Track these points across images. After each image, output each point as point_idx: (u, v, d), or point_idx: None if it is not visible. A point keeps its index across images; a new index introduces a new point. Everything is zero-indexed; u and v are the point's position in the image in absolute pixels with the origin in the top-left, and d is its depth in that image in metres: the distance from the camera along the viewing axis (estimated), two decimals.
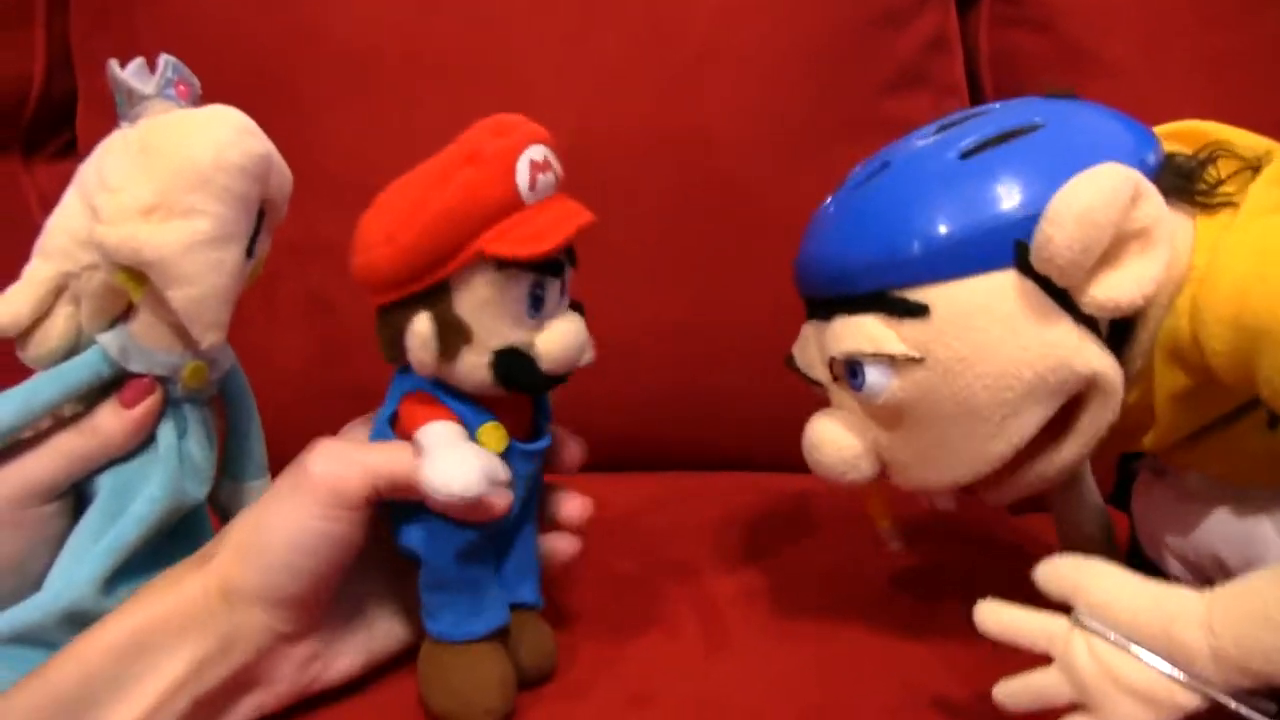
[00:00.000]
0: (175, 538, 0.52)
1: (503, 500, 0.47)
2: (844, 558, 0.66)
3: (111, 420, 0.50)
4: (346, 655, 0.51)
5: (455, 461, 0.44)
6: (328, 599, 0.48)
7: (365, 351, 0.77)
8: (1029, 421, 0.45)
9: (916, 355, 0.45)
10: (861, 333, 0.46)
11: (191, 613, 0.45)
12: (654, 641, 0.56)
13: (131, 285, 0.47)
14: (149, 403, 0.50)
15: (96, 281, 0.48)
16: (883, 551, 0.62)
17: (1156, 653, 0.41)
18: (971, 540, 0.70)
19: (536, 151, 0.46)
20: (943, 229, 0.44)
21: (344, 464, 0.46)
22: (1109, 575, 0.44)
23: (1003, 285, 0.44)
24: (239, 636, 0.46)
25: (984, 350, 0.44)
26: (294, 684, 0.48)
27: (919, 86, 0.85)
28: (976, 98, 0.88)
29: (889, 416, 0.48)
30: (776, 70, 0.81)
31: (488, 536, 0.49)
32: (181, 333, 0.49)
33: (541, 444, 0.51)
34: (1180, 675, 0.40)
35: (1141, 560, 0.55)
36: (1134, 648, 0.41)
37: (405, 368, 0.48)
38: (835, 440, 0.49)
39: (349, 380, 0.79)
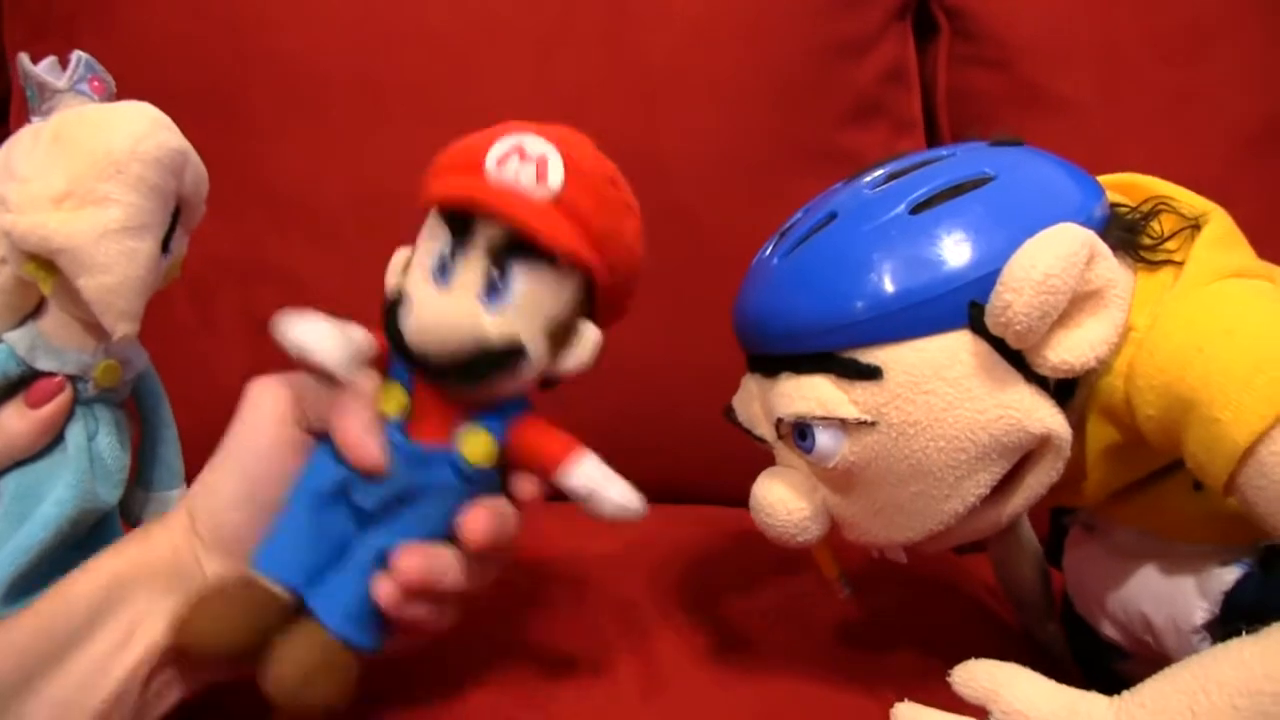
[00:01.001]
0: (85, 547, 0.50)
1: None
2: (787, 598, 0.64)
3: (16, 420, 0.48)
4: None
5: (318, 326, 0.45)
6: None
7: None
8: (983, 480, 0.45)
9: (869, 419, 0.44)
10: (812, 395, 0.45)
11: (161, 566, 0.45)
12: (586, 680, 0.55)
13: (41, 276, 0.46)
14: (57, 402, 0.49)
15: (4, 277, 0.47)
16: (827, 594, 0.61)
17: None
18: (915, 582, 0.69)
19: (534, 143, 0.45)
20: (896, 289, 0.43)
21: (279, 382, 0.47)
22: (1024, 681, 0.43)
23: (956, 346, 0.43)
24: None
25: (938, 413, 0.43)
26: None
27: (875, 119, 0.85)
28: (932, 133, 0.89)
29: (840, 478, 0.47)
30: (735, 100, 0.81)
31: (327, 481, 0.46)
32: (93, 330, 0.49)
33: (453, 455, 0.46)
34: None
35: (1074, 617, 0.56)
36: None
37: None
38: (785, 504, 0.48)
39: None
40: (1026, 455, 0.45)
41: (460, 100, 0.78)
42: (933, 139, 0.89)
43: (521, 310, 0.44)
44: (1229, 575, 0.46)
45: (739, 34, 0.81)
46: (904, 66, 0.87)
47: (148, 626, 0.43)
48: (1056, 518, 0.58)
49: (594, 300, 0.48)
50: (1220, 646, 0.40)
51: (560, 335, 0.46)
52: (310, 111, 0.78)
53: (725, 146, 0.80)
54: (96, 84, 0.49)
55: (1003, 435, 0.43)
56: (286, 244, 0.78)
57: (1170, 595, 0.48)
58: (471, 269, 0.44)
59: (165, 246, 0.48)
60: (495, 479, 0.48)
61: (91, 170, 0.45)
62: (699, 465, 0.82)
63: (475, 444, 0.46)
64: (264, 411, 0.47)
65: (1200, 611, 0.46)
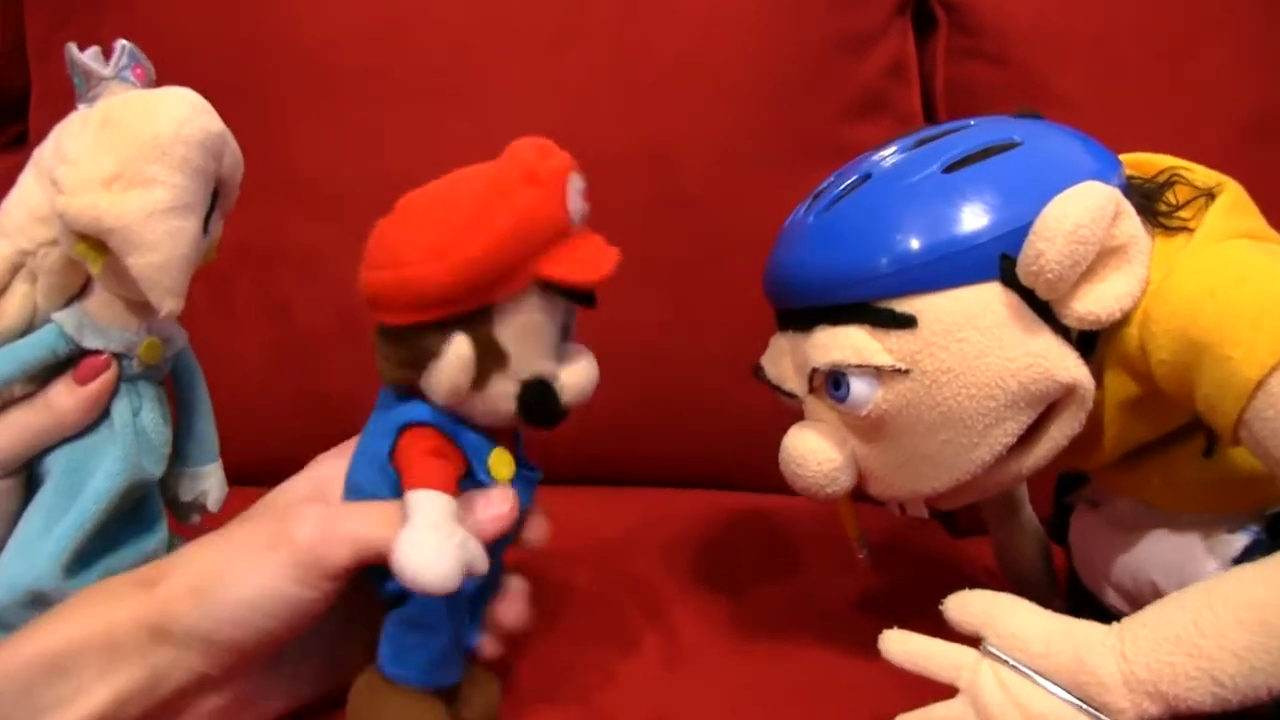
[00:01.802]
0: (129, 519, 0.52)
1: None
2: (804, 579, 0.66)
3: (66, 397, 0.49)
4: (273, 701, 0.48)
5: (435, 549, 0.40)
6: (273, 656, 0.46)
7: (323, 357, 0.78)
8: (1010, 429, 0.46)
9: (904, 367, 0.46)
10: (847, 343, 0.47)
11: (121, 641, 0.43)
12: (611, 657, 0.56)
13: (91, 256, 0.47)
14: (104, 379, 0.49)
15: (54, 258, 0.48)
16: (843, 573, 0.63)
17: (1069, 681, 0.42)
18: (913, 562, 0.71)
19: (577, 178, 0.45)
20: (930, 241, 0.45)
21: (332, 533, 0.43)
22: (1019, 608, 0.45)
23: (988, 297, 0.45)
24: (167, 676, 0.43)
25: (970, 361, 0.45)
26: None
27: (877, 113, 0.86)
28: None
29: (870, 428, 0.48)
30: (740, 93, 0.82)
31: (485, 583, 0.48)
32: (137, 309, 0.50)
33: (538, 473, 0.49)
34: (1086, 707, 0.41)
35: (1080, 592, 0.57)
36: (1039, 679, 0.42)
37: (402, 390, 0.46)
38: (817, 454, 0.49)
39: (306, 385, 0.79)
40: (1051, 406, 0.46)
41: (474, 89, 0.79)
42: None
43: None
44: (1238, 542, 0.47)
45: (744, 30, 0.82)
46: (904, 61, 0.88)
47: (86, 697, 0.42)
48: (1060, 497, 0.59)
49: None
50: (1226, 572, 0.41)
51: None
52: (329, 98, 0.79)
53: (730, 139, 0.81)
54: (139, 71, 0.51)
55: (1031, 383, 0.45)
56: (304, 228, 0.79)
57: (1180, 563, 0.49)
58: (574, 319, 0.47)
59: (205, 227, 0.49)
60: None
61: (139, 153, 0.45)
62: (704, 450, 0.83)
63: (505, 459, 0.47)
64: (308, 561, 0.43)
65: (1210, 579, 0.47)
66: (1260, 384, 0.40)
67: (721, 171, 0.81)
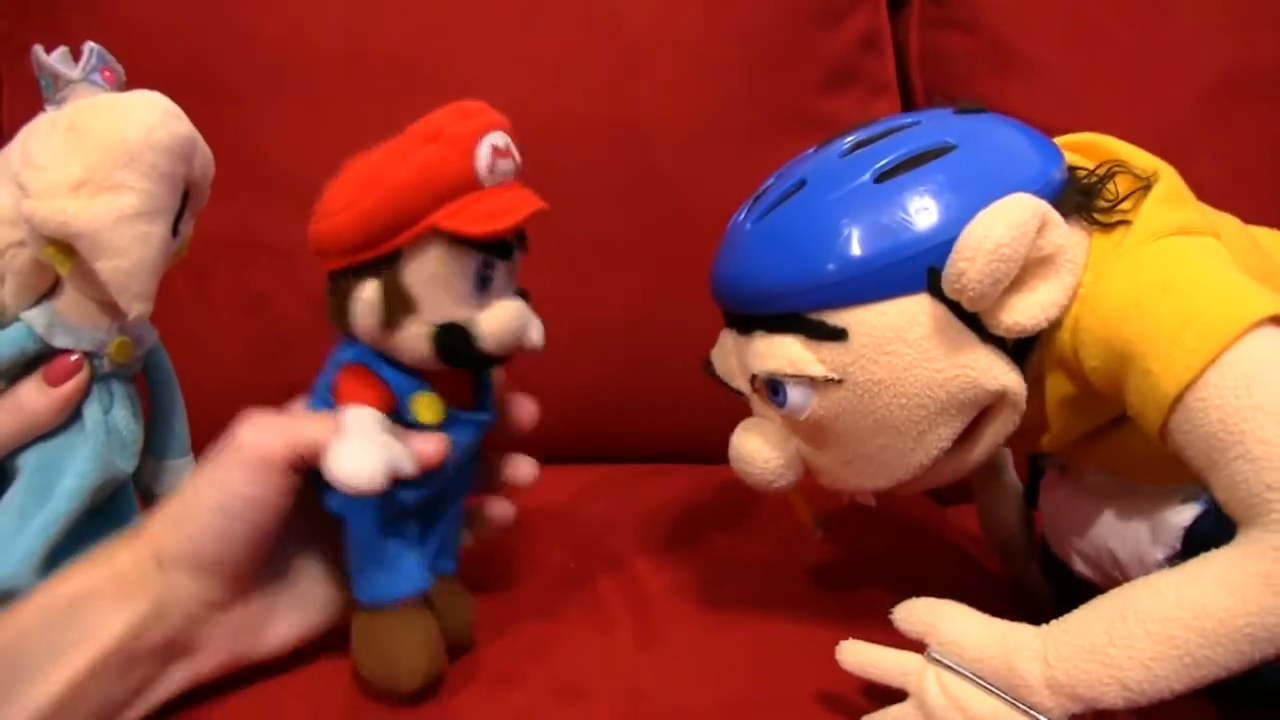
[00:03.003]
0: (103, 515, 0.53)
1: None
2: (776, 549, 0.67)
3: (37, 397, 0.50)
4: (281, 625, 0.51)
5: (358, 453, 0.45)
6: (256, 566, 0.49)
7: (302, 350, 0.77)
8: (944, 434, 0.47)
9: (836, 377, 0.47)
10: (783, 354, 0.48)
11: (126, 579, 0.46)
12: (585, 633, 0.57)
13: (59, 259, 0.47)
14: (76, 380, 0.50)
15: (22, 259, 0.49)
16: (814, 543, 0.63)
17: (1003, 684, 0.44)
18: (900, 530, 0.71)
19: (498, 137, 0.48)
20: (860, 254, 0.46)
21: (270, 432, 0.47)
22: (959, 615, 0.46)
23: (916, 309, 0.45)
24: (171, 601, 0.46)
25: (899, 373, 0.46)
26: (227, 653, 0.49)
27: (851, 84, 0.86)
28: (907, 96, 0.90)
29: (811, 430, 0.49)
30: (712, 66, 0.82)
31: (410, 502, 0.50)
32: (107, 308, 0.50)
33: (482, 416, 0.53)
34: (1019, 705, 0.43)
35: (1052, 558, 0.58)
36: (978, 681, 0.44)
37: (348, 336, 0.50)
38: (761, 453, 0.51)
39: (285, 378, 0.78)
40: (986, 409, 0.47)
41: (442, 71, 0.79)
42: (907, 102, 0.90)
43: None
44: (1188, 512, 0.48)
45: (714, 2, 0.82)
46: (878, 31, 0.88)
47: (102, 628, 0.45)
48: (1033, 461, 0.60)
49: None
50: (1144, 578, 0.42)
51: None
52: (296, 87, 0.79)
53: (703, 113, 0.81)
54: (108, 74, 0.51)
55: (959, 393, 0.46)
56: (276, 219, 0.78)
57: (1135, 532, 0.50)
58: (501, 270, 0.49)
59: (174, 229, 0.50)
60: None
61: (107, 159, 0.46)
62: (681, 424, 0.83)
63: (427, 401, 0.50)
64: (251, 458, 0.46)
65: (1162, 548, 0.48)
66: (1178, 399, 0.41)
67: (694, 145, 0.81)
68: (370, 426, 0.47)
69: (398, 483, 0.46)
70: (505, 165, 0.48)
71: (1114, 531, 0.51)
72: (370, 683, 0.49)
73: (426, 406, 0.49)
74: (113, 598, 0.45)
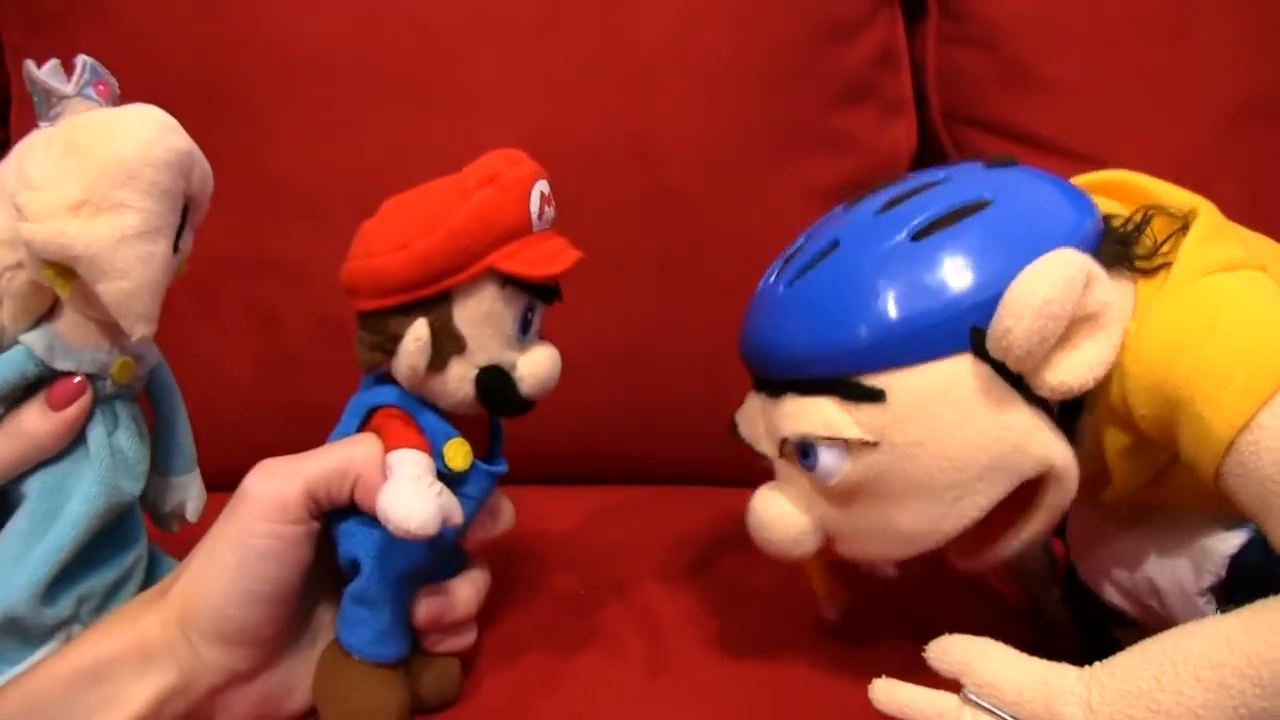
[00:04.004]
0: (109, 537, 0.52)
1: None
2: (788, 575, 0.64)
3: (39, 422, 0.49)
4: (302, 691, 0.50)
5: (418, 497, 0.44)
6: (282, 630, 0.48)
7: (311, 366, 0.78)
8: (980, 501, 0.46)
9: (872, 440, 0.45)
10: (816, 415, 0.46)
11: (152, 646, 0.45)
12: (593, 662, 0.56)
13: (59, 282, 0.46)
14: (79, 404, 0.49)
15: (20, 281, 0.48)
16: (834, 571, 0.62)
17: None
18: (913, 565, 0.70)
19: (544, 185, 0.49)
20: (898, 316, 0.45)
21: (281, 476, 0.46)
22: (996, 654, 0.45)
23: (958, 370, 0.44)
24: (199, 672, 0.45)
25: (940, 435, 0.45)
26: None
27: (866, 100, 0.85)
28: (923, 114, 0.89)
29: (840, 496, 0.48)
30: (726, 82, 0.81)
31: (429, 559, 0.50)
32: (108, 329, 0.49)
33: (500, 467, 0.52)
34: None
35: (1077, 587, 0.57)
36: None
37: (377, 378, 0.50)
38: (784, 518, 0.49)
39: (294, 394, 0.79)
40: (1039, 484, 0.46)
41: (454, 86, 0.78)
42: (923, 119, 0.89)
43: None
44: (1234, 539, 0.47)
45: (728, 18, 0.81)
46: (894, 48, 0.87)
47: (127, 698, 0.44)
48: None
49: None
50: (1194, 622, 0.41)
51: None
52: (306, 100, 0.78)
53: (716, 130, 0.80)
54: (102, 88, 0.49)
55: (1001, 457, 0.45)
56: (286, 234, 0.78)
57: (1176, 560, 0.49)
58: (539, 315, 0.51)
59: (175, 245, 0.49)
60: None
61: (105, 178, 0.45)
62: (692, 446, 0.82)
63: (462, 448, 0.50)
64: (265, 508, 0.46)
65: (1206, 575, 0.47)
66: (1231, 444, 0.41)
67: (707, 164, 0.80)
68: (423, 470, 0.47)
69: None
70: (550, 212, 0.50)
71: (1153, 561, 0.50)
72: None
73: (459, 453, 0.49)
74: (138, 666, 0.44)
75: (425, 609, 0.51)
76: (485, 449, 0.53)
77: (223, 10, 0.78)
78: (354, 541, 0.49)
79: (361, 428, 0.50)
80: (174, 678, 0.44)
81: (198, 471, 0.58)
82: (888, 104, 0.87)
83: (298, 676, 0.50)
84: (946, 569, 0.68)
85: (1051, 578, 0.62)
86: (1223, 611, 0.42)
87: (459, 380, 0.48)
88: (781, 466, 0.50)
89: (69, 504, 0.50)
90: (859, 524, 0.49)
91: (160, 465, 0.57)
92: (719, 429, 0.79)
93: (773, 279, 0.51)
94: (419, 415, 0.49)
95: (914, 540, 0.48)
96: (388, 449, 0.47)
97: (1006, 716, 0.43)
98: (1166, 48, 0.83)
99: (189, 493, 0.57)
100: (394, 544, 0.48)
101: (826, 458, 0.47)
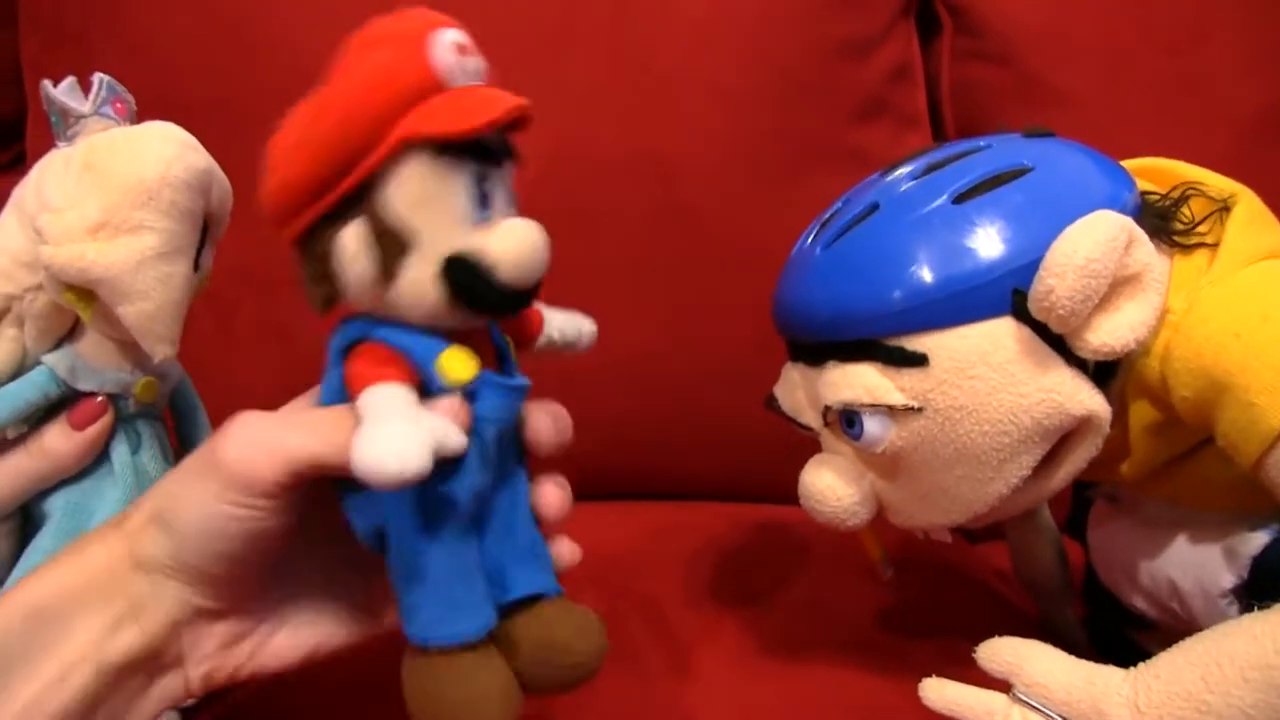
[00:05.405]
0: None
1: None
2: (816, 593, 0.65)
3: (61, 441, 0.48)
4: (282, 641, 0.45)
5: (390, 438, 0.36)
6: (252, 580, 0.43)
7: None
8: (1025, 462, 0.46)
9: (916, 405, 0.45)
10: (859, 383, 0.46)
11: (98, 579, 0.41)
12: (620, 679, 0.55)
13: (80, 305, 0.46)
14: (101, 423, 0.49)
15: (41, 303, 0.48)
16: (856, 584, 0.62)
17: None
18: (930, 571, 0.70)
19: (454, 34, 0.40)
20: (940, 277, 0.44)
21: (258, 448, 0.40)
22: (1045, 655, 0.45)
23: (1000, 332, 0.44)
24: (150, 602, 0.41)
25: (982, 398, 0.44)
26: (218, 666, 0.43)
27: (881, 116, 0.85)
28: (938, 129, 0.89)
29: (887, 463, 0.48)
30: (740, 100, 0.81)
31: (462, 501, 0.41)
32: (130, 349, 0.49)
33: (520, 381, 0.44)
34: None
35: (1098, 590, 0.57)
36: None
37: (344, 318, 0.42)
38: (835, 490, 0.49)
39: None
40: (1067, 435, 0.46)
41: None
42: (938, 135, 0.89)
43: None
44: (1257, 540, 0.47)
45: (744, 34, 0.82)
46: (908, 63, 0.87)
47: (74, 633, 0.40)
48: (1079, 492, 0.59)
49: None
50: (1233, 622, 0.41)
51: None
52: None
53: (731, 146, 0.81)
54: (119, 106, 0.49)
55: (1044, 418, 0.44)
56: None
57: (1198, 561, 0.49)
58: (499, 183, 0.41)
59: (195, 264, 0.49)
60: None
61: (124, 199, 0.45)
62: (710, 461, 0.82)
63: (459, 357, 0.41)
64: (239, 480, 0.39)
65: (1229, 576, 0.48)
66: None
67: (722, 179, 0.81)
68: (397, 403, 0.38)
69: (435, 475, 0.37)
70: (473, 63, 0.40)
71: (1175, 562, 0.50)
72: None
73: (458, 362, 0.40)
74: (84, 598, 0.40)
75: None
76: (495, 364, 0.44)
77: (240, 24, 0.79)
78: (370, 512, 0.41)
79: (345, 375, 0.40)
80: (120, 606, 0.41)
81: None
82: (902, 119, 0.87)
83: (279, 626, 0.45)
84: (966, 585, 0.69)
85: (1067, 595, 0.62)
86: (1244, 612, 0.42)
87: (420, 282, 0.39)
88: (827, 437, 0.50)
89: (93, 523, 0.49)
90: (908, 491, 0.48)
91: None
92: (734, 443, 0.80)
93: (809, 241, 0.50)
94: (394, 337, 0.40)
95: (963, 505, 0.48)
96: (353, 394, 0.39)
97: (1055, 716, 0.44)
98: (1180, 60, 0.83)
99: None
100: (415, 499, 0.40)
101: (871, 425, 0.46)
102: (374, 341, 0.40)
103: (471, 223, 0.39)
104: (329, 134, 0.38)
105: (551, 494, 0.46)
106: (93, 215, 0.45)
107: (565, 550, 0.46)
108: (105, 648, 0.41)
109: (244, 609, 0.44)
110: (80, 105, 0.48)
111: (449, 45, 0.39)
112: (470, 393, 0.41)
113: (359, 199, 0.38)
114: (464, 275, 0.39)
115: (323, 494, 0.42)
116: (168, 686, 0.43)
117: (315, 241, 0.39)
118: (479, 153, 0.39)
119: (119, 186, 0.45)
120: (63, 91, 0.48)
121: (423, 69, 0.39)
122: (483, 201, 0.40)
